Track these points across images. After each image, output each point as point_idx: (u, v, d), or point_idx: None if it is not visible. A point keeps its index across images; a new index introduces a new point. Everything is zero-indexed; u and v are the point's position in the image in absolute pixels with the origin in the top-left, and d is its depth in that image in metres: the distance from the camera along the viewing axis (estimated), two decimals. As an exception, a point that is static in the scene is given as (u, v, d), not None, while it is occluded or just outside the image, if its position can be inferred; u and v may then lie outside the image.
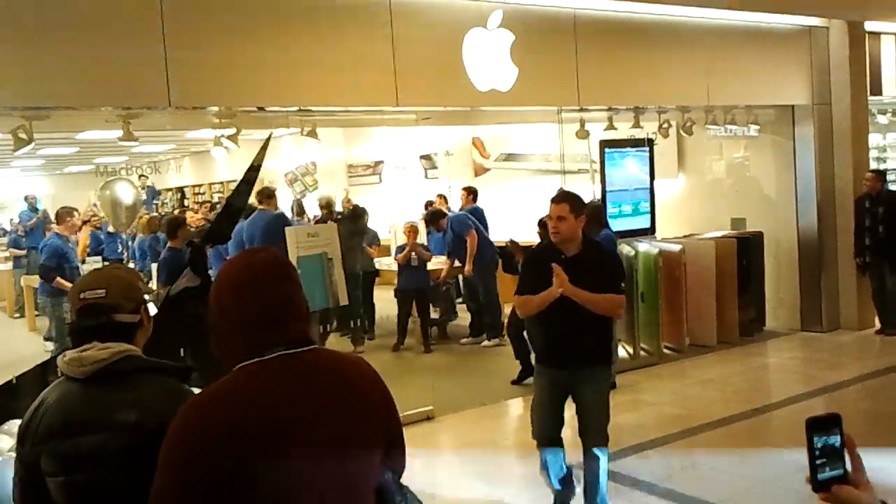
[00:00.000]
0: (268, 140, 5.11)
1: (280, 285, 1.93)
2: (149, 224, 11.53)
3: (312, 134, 6.65)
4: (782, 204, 9.87)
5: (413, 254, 9.71)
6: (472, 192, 10.73)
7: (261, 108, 6.54)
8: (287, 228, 7.42)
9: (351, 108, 6.86)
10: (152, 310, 2.44)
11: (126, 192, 9.99)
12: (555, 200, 4.49)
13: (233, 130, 6.50)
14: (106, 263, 10.28)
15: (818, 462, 1.57)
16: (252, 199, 8.17)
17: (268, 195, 8.95)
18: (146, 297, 2.37)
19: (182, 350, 6.42)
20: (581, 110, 8.15)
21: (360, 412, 1.92)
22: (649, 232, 9.16)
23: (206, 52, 5.81)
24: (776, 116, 9.74)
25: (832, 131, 9.61)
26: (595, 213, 7.82)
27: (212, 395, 1.86)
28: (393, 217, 12.51)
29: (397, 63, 6.55)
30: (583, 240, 4.51)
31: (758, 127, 9.81)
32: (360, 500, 1.91)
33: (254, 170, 4.75)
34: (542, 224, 6.89)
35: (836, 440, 1.56)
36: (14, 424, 3.03)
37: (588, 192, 9.72)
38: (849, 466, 1.57)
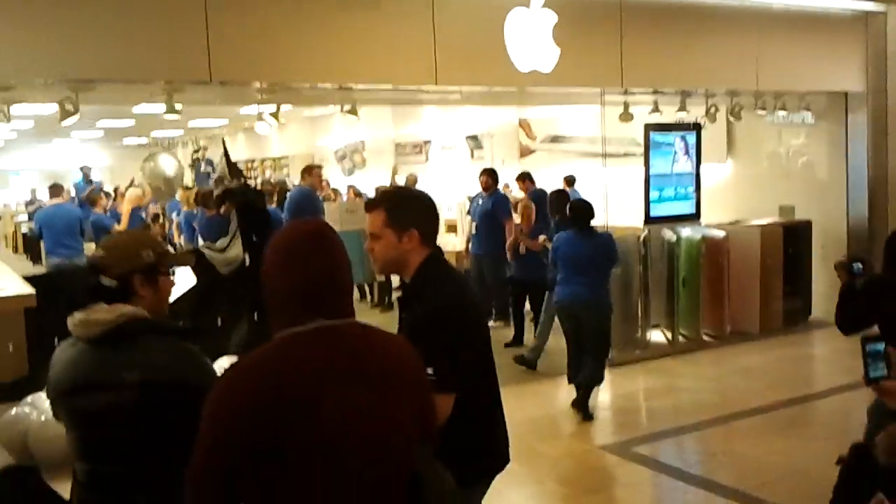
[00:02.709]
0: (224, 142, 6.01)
1: (320, 258, 1.98)
2: (188, 199, 11.69)
3: (353, 111, 6.69)
4: (832, 192, 9.65)
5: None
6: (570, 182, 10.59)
7: (306, 86, 6.61)
8: (327, 204, 7.52)
9: (390, 85, 6.87)
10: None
11: (168, 165, 10.18)
12: (367, 207, 2.80)
13: (274, 107, 6.57)
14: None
15: (869, 363, 2.25)
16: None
17: (306, 171, 9.08)
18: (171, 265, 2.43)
19: (220, 319, 6.63)
20: (625, 93, 8.06)
21: (391, 386, 1.98)
22: (694, 217, 9.04)
23: (248, 27, 5.87)
24: (828, 103, 9.51)
25: (887, 120, 9.35)
26: (560, 200, 7.92)
27: (251, 361, 1.94)
28: (438, 197, 12.52)
29: (437, 42, 6.54)
30: (419, 268, 2.72)
31: (809, 113, 9.59)
32: (393, 470, 1.96)
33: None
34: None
35: (881, 347, 2.22)
36: None
37: (634, 176, 9.62)
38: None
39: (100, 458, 2.22)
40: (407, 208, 2.74)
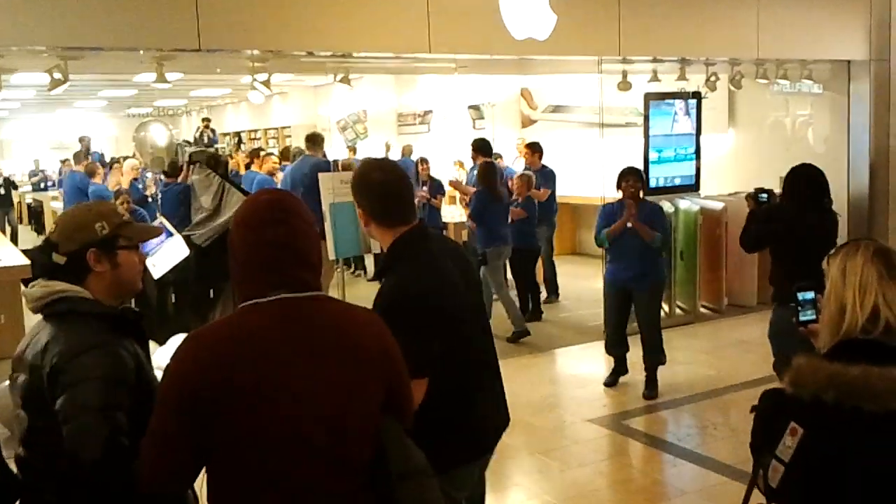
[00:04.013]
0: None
1: (276, 229, 1.93)
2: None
3: (345, 80, 6.61)
4: (833, 163, 9.48)
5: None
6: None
7: (297, 54, 6.52)
8: (321, 174, 7.42)
9: (382, 53, 6.78)
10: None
11: (160, 134, 10.13)
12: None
13: (265, 76, 6.49)
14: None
15: (800, 309, 2.51)
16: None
17: (312, 141, 8.94)
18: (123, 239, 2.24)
19: (212, 291, 6.60)
20: (623, 61, 7.93)
21: (352, 360, 1.93)
22: (693, 188, 8.96)
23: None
24: (831, 72, 9.36)
25: (889, 89, 9.21)
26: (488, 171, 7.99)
27: (206, 333, 1.91)
28: (439, 167, 12.44)
29: (431, 9, 6.44)
30: (389, 249, 2.65)
31: (812, 82, 9.44)
32: (351, 446, 1.92)
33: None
34: (631, 172, 6.39)
35: (811, 295, 2.49)
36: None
37: (636, 147, 9.51)
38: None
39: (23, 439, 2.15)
40: (360, 188, 2.63)
